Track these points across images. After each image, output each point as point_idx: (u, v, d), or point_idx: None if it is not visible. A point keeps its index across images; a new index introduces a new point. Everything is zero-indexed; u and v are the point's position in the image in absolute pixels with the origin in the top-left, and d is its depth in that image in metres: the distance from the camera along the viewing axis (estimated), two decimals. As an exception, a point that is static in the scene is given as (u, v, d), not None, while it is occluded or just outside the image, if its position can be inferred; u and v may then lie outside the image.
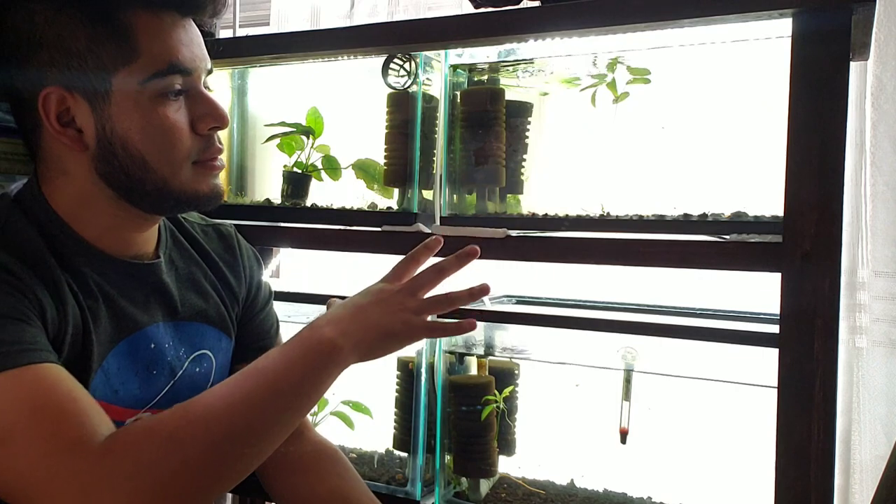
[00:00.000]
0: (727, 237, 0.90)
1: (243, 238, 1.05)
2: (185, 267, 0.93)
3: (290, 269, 1.71)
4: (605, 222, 0.98)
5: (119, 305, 0.83)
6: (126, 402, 0.83)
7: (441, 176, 1.11)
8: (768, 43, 0.89)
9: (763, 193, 0.91)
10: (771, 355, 0.85)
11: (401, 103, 1.12)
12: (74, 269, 0.80)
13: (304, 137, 1.23)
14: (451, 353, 1.15)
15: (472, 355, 1.16)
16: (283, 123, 1.23)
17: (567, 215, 1.01)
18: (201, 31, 0.84)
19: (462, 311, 1.11)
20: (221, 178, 0.86)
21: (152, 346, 0.86)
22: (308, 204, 1.22)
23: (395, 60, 1.09)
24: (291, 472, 0.95)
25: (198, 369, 0.91)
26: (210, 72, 0.84)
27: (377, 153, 1.16)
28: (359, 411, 1.19)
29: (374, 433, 1.16)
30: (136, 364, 0.84)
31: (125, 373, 0.83)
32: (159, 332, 0.87)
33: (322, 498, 0.92)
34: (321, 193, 1.23)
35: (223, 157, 0.86)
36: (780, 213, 0.85)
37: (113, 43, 0.75)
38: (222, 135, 0.86)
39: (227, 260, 0.99)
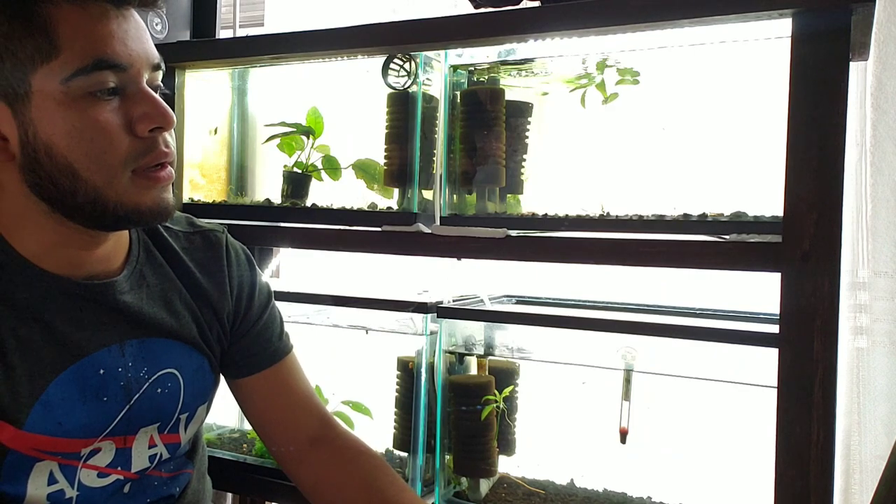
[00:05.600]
0: (727, 237, 0.90)
1: (237, 242, 0.99)
2: (158, 284, 0.87)
3: (290, 269, 1.71)
4: (604, 222, 0.98)
5: (60, 331, 0.77)
6: (75, 433, 0.78)
7: (441, 176, 1.11)
8: (768, 43, 0.89)
9: (763, 193, 0.91)
10: (771, 355, 0.85)
11: (401, 103, 1.12)
12: (8, 294, 0.75)
13: (304, 137, 1.23)
14: (451, 353, 1.15)
15: (472, 355, 1.16)
16: (283, 123, 1.23)
17: (567, 215, 1.01)
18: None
19: (463, 311, 1.11)
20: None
21: (101, 371, 0.80)
22: (308, 204, 1.22)
23: (395, 60, 1.09)
24: (324, 469, 0.93)
25: (160, 390, 0.85)
26: (158, 67, 0.78)
27: (377, 153, 1.16)
28: (359, 411, 1.19)
29: (374, 433, 1.16)
30: (84, 392, 0.79)
31: (70, 402, 0.77)
32: (111, 356, 0.81)
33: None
34: (321, 193, 1.23)
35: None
36: (780, 213, 0.85)
37: (30, 39, 0.69)
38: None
39: (210, 273, 0.93)
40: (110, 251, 0.83)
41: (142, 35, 0.76)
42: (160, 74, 0.79)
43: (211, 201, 1.30)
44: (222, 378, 0.98)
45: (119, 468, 0.83)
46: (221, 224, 1.02)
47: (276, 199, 1.25)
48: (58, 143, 0.71)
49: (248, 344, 0.96)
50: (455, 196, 1.10)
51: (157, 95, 0.76)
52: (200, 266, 0.92)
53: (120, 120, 0.73)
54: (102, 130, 0.72)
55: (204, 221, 0.99)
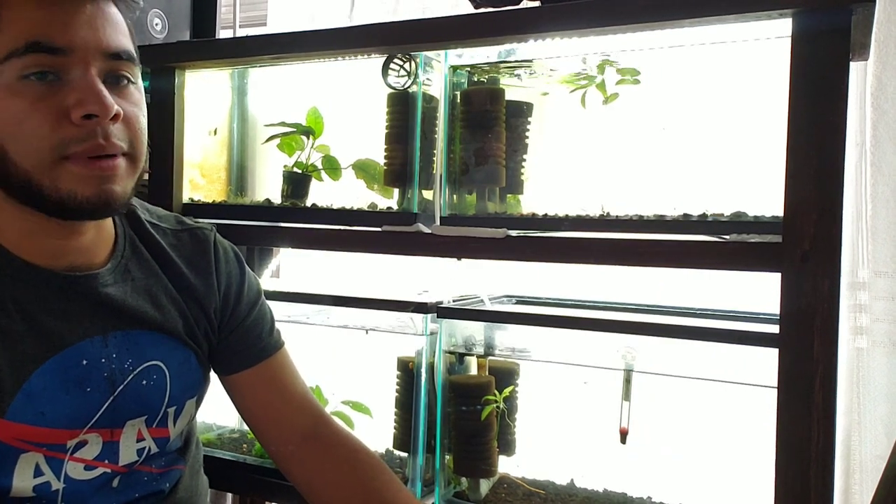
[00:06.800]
0: (727, 237, 0.90)
1: (226, 240, 0.99)
2: (143, 278, 0.87)
3: (290, 269, 1.71)
4: (604, 222, 0.98)
5: (43, 322, 0.77)
6: (58, 424, 0.78)
7: (441, 176, 1.11)
8: (768, 43, 0.89)
9: (763, 193, 0.91)
10: (771, 355, 0.85)
11: (401, 103, 1.12)
12: None
13: (304, 137, 1.23)
14: (451, 353, 1.15)
15: (472, 355, 1.16)
16: (283, 123, 1.23)
17: (567, 215, 1.01)
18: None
19: (463, 311, 1.11)
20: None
21: (84, 362, 0.80)
22: (308, 204, 1.22)
23: (395, 60, 1.09)
24: (320, 467, 0.93)
25: (145, 382, 0.85)
26: (118, 58, 0.74)
27: (377, 153, 1.16)
28: (359, 411, 1.19)
29: (374, 433, 1.16)
30: (67, 382, 0.78)
31: (52, 392, 0.77)
32: (94, 347, 0.81)
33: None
34: (321, 193, 1.23)
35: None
36: (780, 213, 0.85)
37: None
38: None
39: (198, 269, 0.93)
40: (91, 243, 0.82)
41: (99, 23, 0.73)
42: (125, 65, 0.76)
43: (211, 201, 1.30)
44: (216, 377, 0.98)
45: (106, 461, 0.83)
46: (219, 224, 1.02)
47: (276, 199, 1.25)
48: None
49: (238, 340, 0.96)
50: (455, 196, 1.10)
51: (100, 84, 0.72)
52: (188, 262, 0.92)
53: (54, 105, 0.71)
54: (31, 114, 0.70)
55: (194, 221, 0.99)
